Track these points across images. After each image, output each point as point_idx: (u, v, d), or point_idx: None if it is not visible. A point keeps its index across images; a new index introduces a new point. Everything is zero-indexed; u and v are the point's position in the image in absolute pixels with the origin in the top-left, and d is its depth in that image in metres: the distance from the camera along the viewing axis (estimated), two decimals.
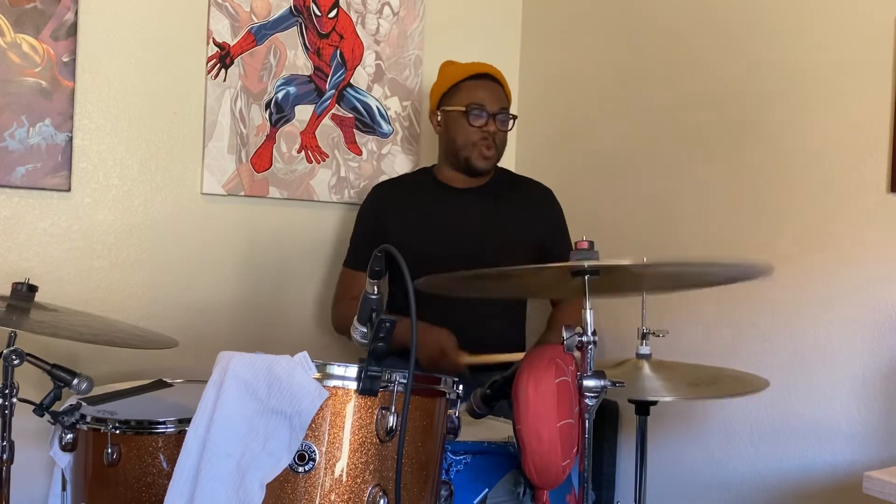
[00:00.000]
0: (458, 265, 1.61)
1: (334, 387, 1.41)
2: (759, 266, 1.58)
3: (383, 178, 2.80)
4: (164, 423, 1.82)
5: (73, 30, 2.30)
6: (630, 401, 1.94)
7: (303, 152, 2.69)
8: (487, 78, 2.45)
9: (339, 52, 2.74)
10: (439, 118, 2.48)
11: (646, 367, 1.85)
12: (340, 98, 2.75)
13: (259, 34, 2.60)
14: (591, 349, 1.49)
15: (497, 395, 1.68)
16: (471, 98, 2.41)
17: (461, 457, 1.69)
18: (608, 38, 2.83)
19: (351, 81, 2.77)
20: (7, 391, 1.70)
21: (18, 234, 2.29)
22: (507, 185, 2.56)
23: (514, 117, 2.48)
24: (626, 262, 1.46)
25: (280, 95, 2.64)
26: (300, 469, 1.39)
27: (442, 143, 2.52)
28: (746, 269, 1.73)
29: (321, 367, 1.42)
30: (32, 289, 1.86)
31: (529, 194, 2.57)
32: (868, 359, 2.11)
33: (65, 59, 2.30)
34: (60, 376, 1.74)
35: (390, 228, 2.45)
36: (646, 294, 1.83)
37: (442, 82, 2.49)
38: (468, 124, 2.40)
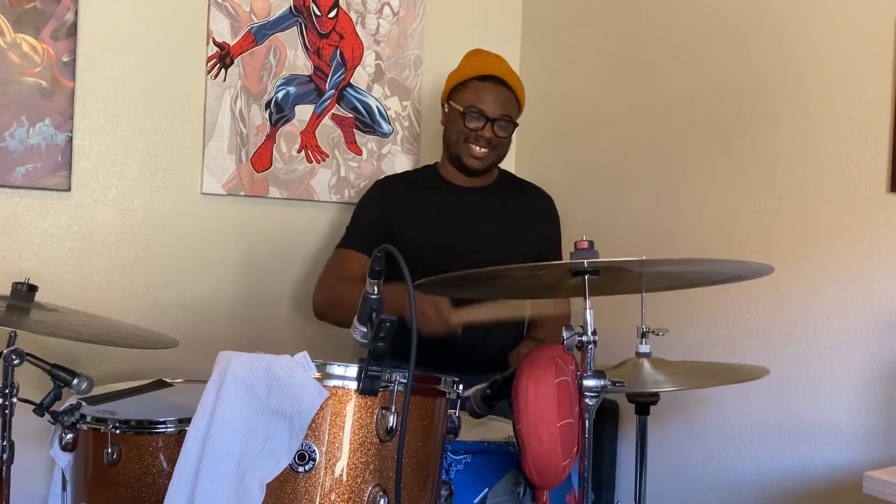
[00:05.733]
0: (458, 267, 1.61)
1: (334, 387, 1.42)
2: (758, 266, 1.59)
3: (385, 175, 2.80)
4: (164, 423, 1.82)
5: (73, 30, 2.30)
6: (630, 401, 1.94)
7: (303, 152, 2.69)
8: (496, 81, 2.42)
9: (339, 51, 2.74)
10: (446, 110, 2.48)
11: (646, 365, 1.85)
12: (340, 98, 2.75)
13: (259, 34, 2.60)
14: (591, 349, 1.49)
15: (497, 394, 1.68)
16: (472, 100, 2.39)
17: (461, 457, 1.69)
18: (608, 39, 2.83)
19: (351, 81, 2.77)
20: (7, 391, 1.70)
21: (18, 234, 2.29)
22: (511, 190, 2.56)
23: (516, 124, 2.44)
24: (626, 259, 1.47)
25: (280, 95, 2.64)
26: (300, 469, 1.39)
27: (444, 135, 2.52)
28: (746, 269, 1.73)
29: (321, 367, 1.42)
30: (32, 289, 1.86)
31: (531, 202, 2.56)
32: (868, 359, 2.11)
33: (65, 59, 2.30)
34: (60, 376, 1.74)
35: (394, 223, 2.44)
36: (646, 293, 1.83)
37: (455, 75, 2.47)
38: (463, 125, 2.40)
